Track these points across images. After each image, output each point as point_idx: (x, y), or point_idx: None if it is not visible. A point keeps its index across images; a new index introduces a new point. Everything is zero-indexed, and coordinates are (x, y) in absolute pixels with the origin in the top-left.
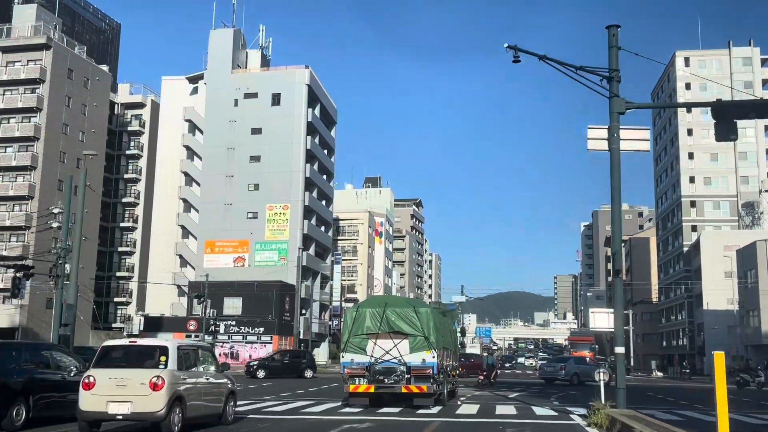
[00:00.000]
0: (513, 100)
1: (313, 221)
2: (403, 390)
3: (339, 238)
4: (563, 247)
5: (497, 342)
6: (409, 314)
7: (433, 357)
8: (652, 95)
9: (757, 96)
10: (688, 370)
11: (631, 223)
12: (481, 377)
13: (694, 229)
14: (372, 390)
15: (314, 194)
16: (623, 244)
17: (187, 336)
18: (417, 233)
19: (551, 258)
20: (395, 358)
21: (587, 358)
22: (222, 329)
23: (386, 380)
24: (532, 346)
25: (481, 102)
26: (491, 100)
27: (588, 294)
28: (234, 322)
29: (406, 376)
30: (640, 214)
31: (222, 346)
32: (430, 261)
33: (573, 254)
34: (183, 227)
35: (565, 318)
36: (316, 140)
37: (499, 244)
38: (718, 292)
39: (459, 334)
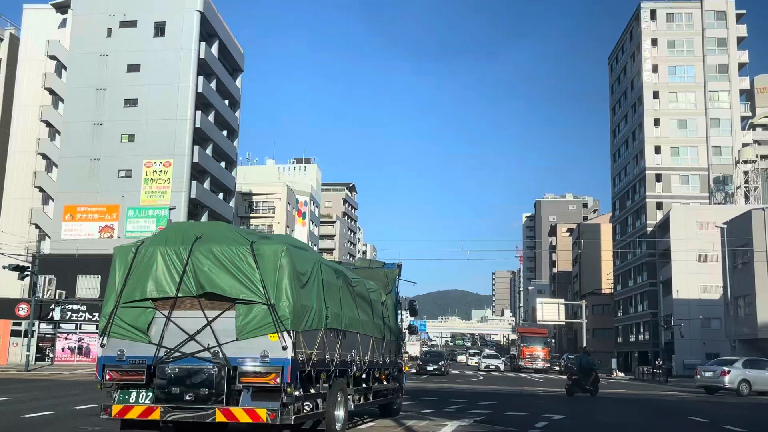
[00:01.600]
0: (456, 91)
1: (207, 185)
2: (218, 417)
3: (252, 215)
4: (503, 244)
5: (434, 339)
6: (240, 258)
7: (286, 347)
8: (610, 59)
9: (731, 56)
10: (660, 371)
11: (575, 213)
12: (570, 382)
13: (659, 206)
14: (157, 416)
15: (208, 152)
16: (569, 233)
17: (15, 324)
18: (349, 220)
19: (490, 256)
20: (208, 348)
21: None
22: (68, 315)
23: (186, 395)
24: (469, 343)
25: (420, 91)
26: (431, 91)
27: (530, 288)
28: (85, 307)
29: (229, 387)
30: (585, 205)
31: (67, 338)
32: (365, 252)
33: (512, 251)
34: (41, 190)
35: (502, 315)
36: (213, 85)
37: (438, 240)
38: (690, 278)
39: (402, 313)
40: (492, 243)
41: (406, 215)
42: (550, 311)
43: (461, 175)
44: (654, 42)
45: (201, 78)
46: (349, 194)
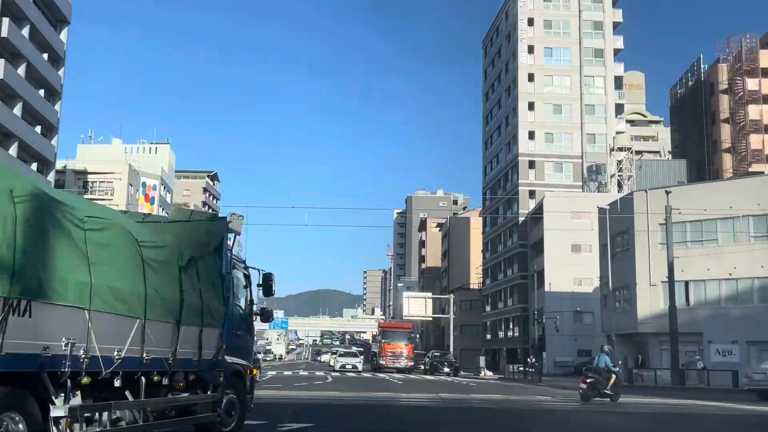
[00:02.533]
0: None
1: (13, 151)
2: None
3: (86, 196)
4: (375, 242)
5: (302, 338)
6: None
7: None
8: (484, 42)
9: (607, 40)
10: (533, 369)
11: (446, 210)
12: (583, 386)
13: (531, 195)
14: None
15: (17, 111)
16: (438, 228)
17: None
18: (210, 210)
19: (363, 255)
20: None
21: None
22: None
23: None
24: (338, 342)
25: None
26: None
27: (399, 285)
28: None
29: None
30: (455, 202)
31: None
32: (229, 245)
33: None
34: None
35: (373, 313)
36: (25, 32)
37: (309, 240)
38: (563, 270)
39: (248, 291)
40: (364, 241)
41: (278, 213)
42: (417, 306)
43: (335, 172)
44: (530, 22)
45: (6, 20)
46: (211, 183)
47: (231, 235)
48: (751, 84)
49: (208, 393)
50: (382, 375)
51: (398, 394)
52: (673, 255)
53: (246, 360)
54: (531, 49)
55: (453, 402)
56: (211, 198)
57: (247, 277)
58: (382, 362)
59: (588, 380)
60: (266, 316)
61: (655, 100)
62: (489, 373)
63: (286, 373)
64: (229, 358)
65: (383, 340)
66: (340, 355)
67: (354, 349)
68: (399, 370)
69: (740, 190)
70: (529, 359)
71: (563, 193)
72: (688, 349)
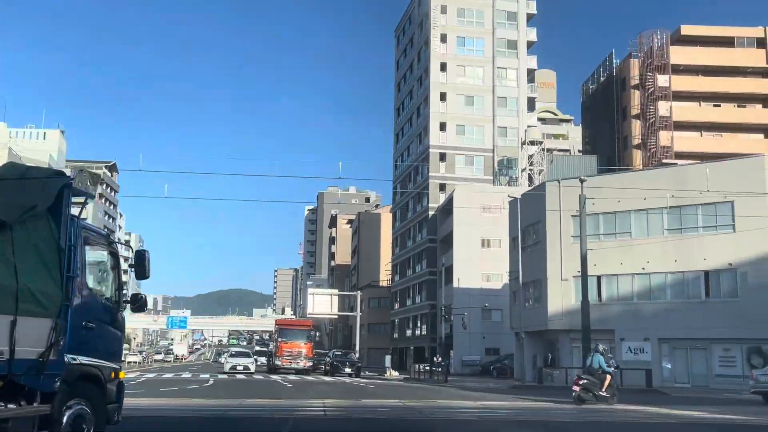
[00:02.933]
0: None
1: None
2: None
3: None
4: (288, 240)
5: (208, 338)
6: None
7: None
8: (396, 31)
9: (521, 32)
10: (440, 368)
11: (358, 208)
12: (576, 388)
13: (442, 188)
14: None
15: None
16: (349, 224)
17: None
18: (107, 203)
19: (275, 253)
20: None
21: None
22: None
23: None
24: (245, 342)
25: (201, 75)
26: (213, 78)
27: (308, 283)
28: None
29: None
30: (367, 199)
31: None
32: (128, 242)
33: (296, 247)
34: None
35: (283, 313)
36: None
37: (221, 238)
38: (473, 265)
39: (117, 273)
40: (277, 240)
41: (186, 209)
42: (322, 303)
43: (247, 167)
44: (443, 9)
45: None
46: (109, 174)
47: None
48: (662, 80)
49: (35, 404)
50: (275, 377)
51: (278, 401)
52: (586, 248)
53: (110, 361)
54: (444, 38)
55: (337, 411)
56: (108, 190)
57: (114, 255)
58: (279, 363)
59: (581, 382)
60: (139, 304)
61: (566, 99)
62: (395, 373)
63: (166, 375)
64: (79, 358)
65: (280, 339)
66: (231, 356)
67: (245, 349)
68: (298, 371)
69: (654, 182)
70: (435, 358)
71: (474, 186)
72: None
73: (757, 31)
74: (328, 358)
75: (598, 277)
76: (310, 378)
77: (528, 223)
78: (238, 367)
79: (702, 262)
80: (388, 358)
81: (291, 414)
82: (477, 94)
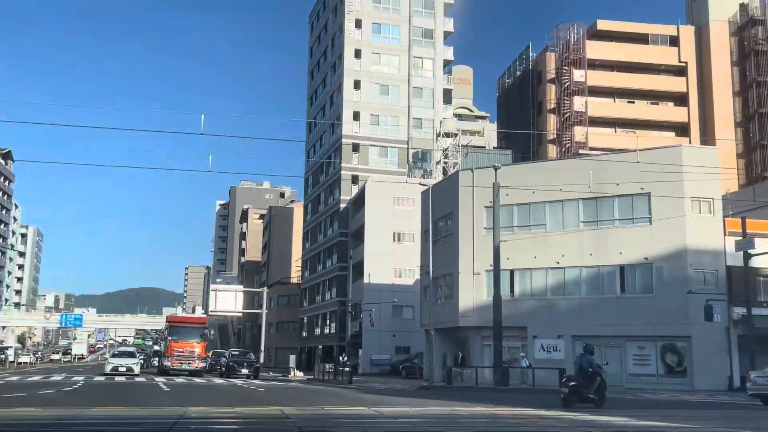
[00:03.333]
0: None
1: None
2: None
3: None
4: (200, 237)
5: (114, 338)
6: None
7: None
8: (311, 17)
9: (437, 21)
10: (347, 368)
11: (272, 203)
12: (565, 389)
13: (354, 180)
14: None
15: None
16: (261, 219)
17: None
18: (1, 193)
19: (187, 250)
20: None
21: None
22: None
23: None
24: (150, 342)
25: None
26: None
27: (218, 280)
28: None
29: None
30: (282, 195)
31: None
32: (24, 235)
33: (209, 244)
34: None
35: (194, 312)
36: None
37: (130, 235)
38: (384, 260)
39: None
40: (188, 236)
41: (95, 203)
42: (227, 300)
43: (155, 160)
44: None
45: None
46: (2, 162)
47: None
48: (578, 75)
49: None
50: (160, 379)
51: (131, 411)
52: (500, 239)
53: None
54: (359, 24)
55: (192, 423)
56: (3, 180)
57: None
58: (168, 363)
59: (570, 384)
60: None
61: (483, 96)
62: (299, 374)
63: (33, 378)
64: None
65: (170, 338)
66: (113, 356)
67: (131, 348)
68: (192, 373)
69: (570, 172)
70: (341, 357)
71: (387, 178)
72: (511, 345)
73: (671, 30)
74: (224, 359)
75: (511, 271)
76: (199, 380)
77: (440, 215)
78: (120, 368)
79: (618, 256)
80: (292, 357)
81: (125, 429)
82: (392, 84)
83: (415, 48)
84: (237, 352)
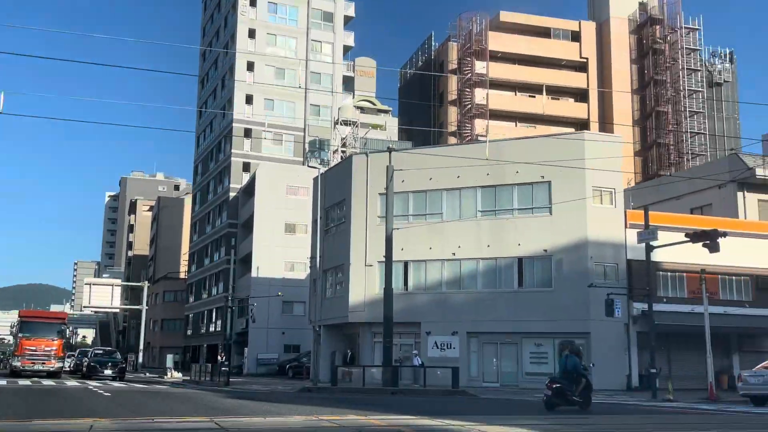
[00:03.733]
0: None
1: None
2: None
3: None
4: (92, 230)
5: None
6: None
7: None
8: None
9: (338, 3)
10: (226, 367)
11: (165, 195)
12: (549, 392)
13: (246, 168)
14: None
15: None
16: (150, 210)
17: None
18: None
19: (77, 245)
20: None
21: None
22: None
23: None
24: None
25: None
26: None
27: (105, 275)
28: None
29: None
30: (177, 187)
31: None
32: None
33: (99, 238)
34: None
35: (82, 309)
36: None
37: (16, 228)
38: (275, 253)
39: None
40: (79, 230)
41: None
42: (102, 295)
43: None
44: None
45: None
46: None
47: None
48: (479, 66)
49: None
50: (2, 382)
51: None
52: (392, 227)
53: None
54: (254, 2)
55: None
56: None
57: None
58: (18, 364)
59: (554, 386)
60: None
61: (386, 90)
62: (177, 375)
63: None
64: None
65: (21, 335)
66: None
67: None
68: (49, 374)
69: (469, 158)
70: (219, 356)
71: (279, 165)
72: (404, 342)
73: (573, 25)
74: (86, 359)
75: (405, 263)
76: (48, 383)
77: (332, 203)
78: None
79: (516, 247)
80: (170, 357)
81: None
82: (289, 67)
83: (314, 31)
84: (101, 352)
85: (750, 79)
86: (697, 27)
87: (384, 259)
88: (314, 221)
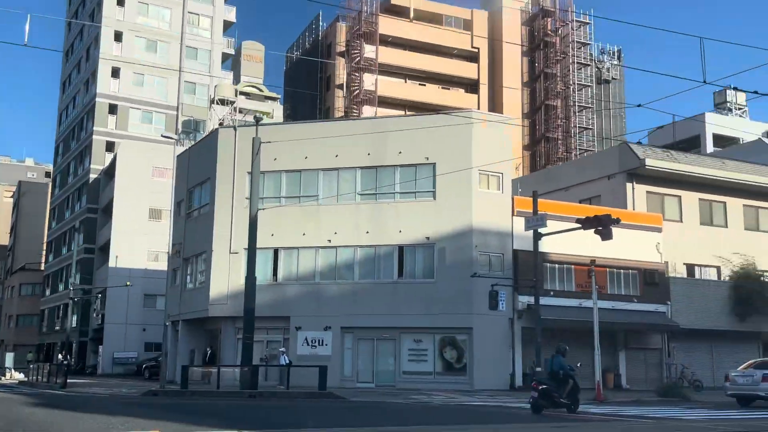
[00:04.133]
0: None
1: None
2: None
3: None
4: None
5: None
6: None
7: None
8: None
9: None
10: (67, 365)
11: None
12: (535, 394)
13: (110, 148)
14: None
15: None
16: (11, 196)
17: None
18: None
19: None
20: None
21: None
22: None
23: None
24: None
25: None
26: None
27: None
28: None
29: None
30: (48, 174)
31: None
32: None
33: None
34: None
35: None
36: None
37: None
38: (137, 241)
39: None
40: None
41: None
42: None
43: None
44: None
45: None
46: None
47: None
48: (369, 50)
49: None
50: None
51: None
52: (258, 207)
53: None
54: None
55: None
56: None
57: None
58: None
59: (540, 387)
60: None
61: (276, 76)
62: (18, 375)
63: None
64: None
65: None
66: None
67: None
68: None
69: (349, 136)
70: (61, 354)
71: (145, 144)
72: (272, 339)
73: (465, 13)
74: None
75: (276, 250)
76: None
77: (196, 182)
78: None
79: (397, 234)
80: (9, 356)
81: None
82: (162, 40)
83: (191, 2)
84: None
85: (636, 78)
86: (588, 21)
87: (256, 247)
88: (177, 203)
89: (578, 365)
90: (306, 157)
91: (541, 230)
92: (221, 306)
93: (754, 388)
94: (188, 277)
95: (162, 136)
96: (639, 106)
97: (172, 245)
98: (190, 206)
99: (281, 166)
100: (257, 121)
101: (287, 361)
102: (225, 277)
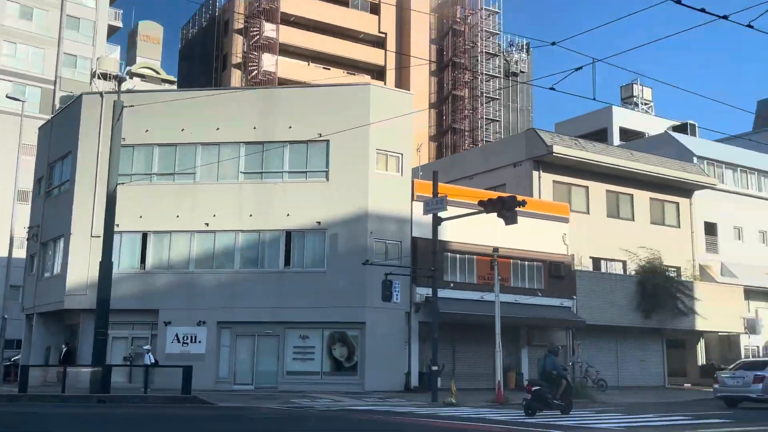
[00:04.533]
0: None
1: None
2: None
3: None
4: None
5: None
6: None
7: None
8: None
9: None
10: None
11: None
12: (528, 395)
13: None
14: None
15: None
16: None
17: None
18: None
19: None
20: None
21: None
22: None
23: None
24: None
25: None
26: None
27: None
28: None
29: None
30: None
31: None
32: None
33: None
34: None
35: None
36: None
37: None
38: (5, 225)
39: None
40: None
41: None
42: None
43: None
44: None
45: None
46: None
47: None
48: (269, 29)
49: None
50: None
51: None
52: (117, 182)
53: None
54: None
55: None
56: None
57: None
58: None
59: (533, 389)
60: None
61: (174, 59)
62: None
63: None
64: None
65: None
66: None
67: None
68: None
69: (233, 108)
70: None
71: (12, 119)
72: (138, 335)
73: None
74: None
75: (145, 234)
76: None
77: (57, 156)
78: None
79: (285, 218)
80: None
81: None
82: (39, 7)
83: None
84: None
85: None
86: (497, 11)
87: (116, 229)
88: (37, 181)
89: (570, 364)
90: (183, 130)
91: (442, 215)
92: (80, 297)
93: (745, 389)
94: (47, 264)
95: (7, 96)
96: (551, 88)
97: (29, 228)
98: (50, 184)
99: (153, 139)
100: (120, 82)
101: (152, 361)
102: (85, 264)
